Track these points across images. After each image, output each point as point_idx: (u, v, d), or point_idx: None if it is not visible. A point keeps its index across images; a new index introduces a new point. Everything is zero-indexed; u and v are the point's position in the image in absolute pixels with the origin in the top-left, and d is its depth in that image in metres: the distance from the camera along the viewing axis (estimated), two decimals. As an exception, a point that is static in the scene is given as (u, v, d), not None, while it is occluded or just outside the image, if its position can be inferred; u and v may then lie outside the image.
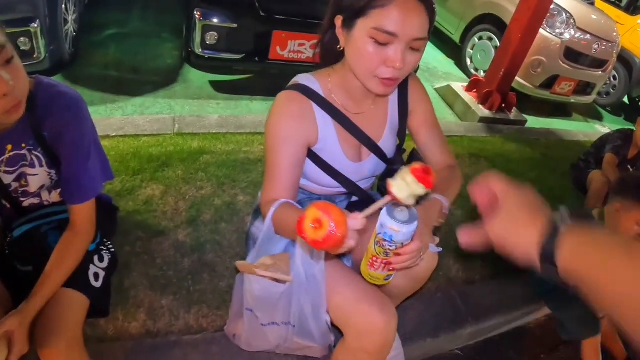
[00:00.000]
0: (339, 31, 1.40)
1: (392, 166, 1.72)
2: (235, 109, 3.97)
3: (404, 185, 1.08)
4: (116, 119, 3.16)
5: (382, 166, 1.72)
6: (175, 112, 3.68)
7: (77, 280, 1.57)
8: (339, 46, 1.43)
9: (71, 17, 3.77)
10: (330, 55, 1.53)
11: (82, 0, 4.19)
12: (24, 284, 1.54)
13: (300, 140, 1.48)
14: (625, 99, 8.55)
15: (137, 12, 5.12)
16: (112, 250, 1.85)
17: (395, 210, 1.16)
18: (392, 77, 1.34)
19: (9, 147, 1.49)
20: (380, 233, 1.17)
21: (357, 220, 1.06)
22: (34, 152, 1.52)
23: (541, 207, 0.86)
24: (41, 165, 1.55)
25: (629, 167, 3.86)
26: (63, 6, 3.51)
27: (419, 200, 1.14)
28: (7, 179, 1.54)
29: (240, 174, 2.81)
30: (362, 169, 1.66)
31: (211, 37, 3.54)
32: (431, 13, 1.33)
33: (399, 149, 1.76)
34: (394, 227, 1.13)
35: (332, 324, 1.56)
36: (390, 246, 1.18)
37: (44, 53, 3.22)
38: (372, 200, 1.79)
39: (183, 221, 2.40)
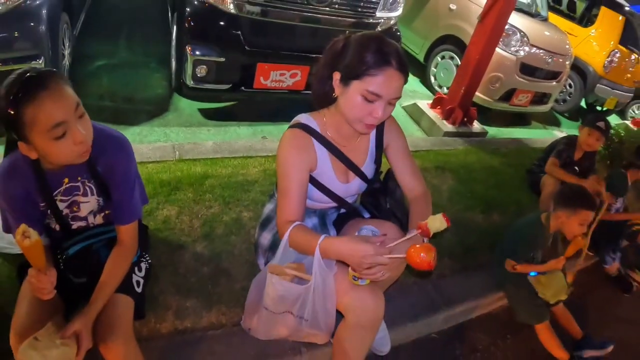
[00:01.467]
0: (336, 83, 1.81)
1: (372, 185, 2.18)
2: (225, 134, 4.20)
3: (437, 221, 1.67)
4: None
5: (364, 185, 2.15)
6: (171, 139, 3.88)
7: (126, 286, 1.88)
8: (334, 94, 1.85)
9: (67, 52, 3.89)
10: (325, 100, 1.94)
11: (74, 33, 4.26)
12: (77, 293, 1.83)
13: (305, 167, 1.90)
14: (583, 104, 9.05)
15: (124, 43, 5.25)
16: (149, 261, 2.16)
17: (363, 231, 1.81)
18: (374, 124, 1.79)
19: (66, 180, 1.74)
20: None
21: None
22: (87, 183, 1.79)
23: None
24: (92, 194, 1.83)
25: (575, 167, 4.25)
26: (61, 41, 3.61)
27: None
28: (61, 205, 1.81)
29: (242, 193, 3.12)
30: (349, 188, 2.08)
31: (201, 70, 3.76)
32: (406, 78, 1.75)
33: (377, 172, 2.18)
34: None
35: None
36: None
37: None
38: (357, 212, 2.24)
39: (199, 236, 2.71)
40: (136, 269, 2.02)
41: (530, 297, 2.95)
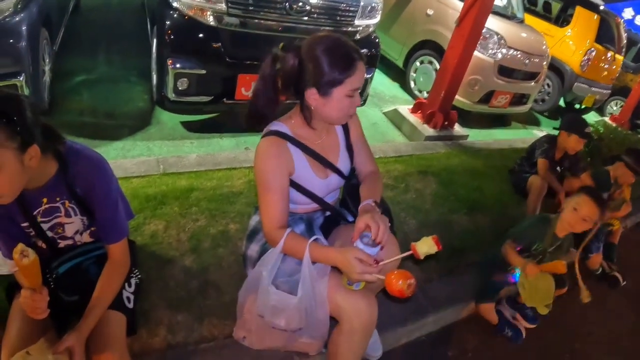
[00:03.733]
0: (312, 97, 1.88)
1: (349, 182, 2.24)
2: (208, 146, 4.20)
3: (426, 246, 1.73)
4: None
5: (342, 181, 2.21)
6: (154, 153, 3.87)
7: (117, 303, 1.88)
8: (311, 106, 1.92)
9: (47, 68, 3.86)
10: (267, 116, 2.04)
11: (53, 49, 4.24)
12: (68, 312, 1.84)
13: (284, 172, 1.95)
14: (562, 103, 9.20)
15: (103, 57, 5.25)
16: (139, 276, 2.18)
17: (364, 239, 1.78)
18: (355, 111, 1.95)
19: (45, 200, 1.73)
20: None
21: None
22: (68, 204, 1.79)
23: None
24: (75, 215, 1.83)
25: (557, 168, 4.35)
26: (41, 57, 3.59)
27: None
28: (44, 227, 1.81)
29: (228, 205, 3.13)
30: (329, 183, 2.13)
31: (182, 83, 3.77)
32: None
33: (352, 169, 2.26)
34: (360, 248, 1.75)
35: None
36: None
37: None
38: (341, 216, 2.28)
39: (186, 249, 2.72)
40: (126, 284, 2.02)
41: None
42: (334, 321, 1.98)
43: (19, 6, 3.25)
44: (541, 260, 3.04)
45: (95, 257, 2.01)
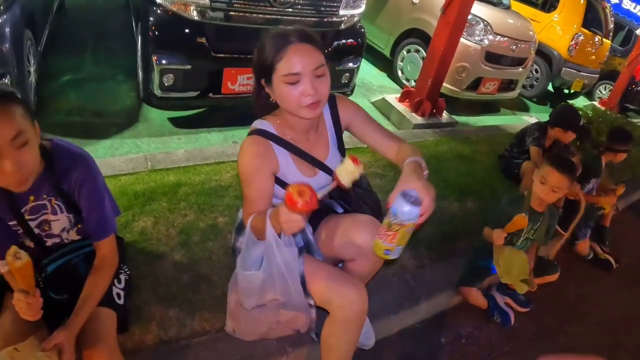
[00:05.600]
0: (267, 89, 1.86)
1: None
2: (195, 142, 4.20)
3: (345, 170, 1.66)
4: None
5: (330, 178, 2.12)
6: (142, 150, 3.87)
7: (107, 299, 1.89)
8: (271, 99, 1.89)
9: (32, 69, 3.83)
10: (267, 108, 1.99)
11: (38, 49, 4.22)
12: (58, 310, 1.83)
13: (267, 172, 1.91)
14: (550, 88, 9.26)
15: (89, 56, 5.25)
16: (128, 273, 2.18)
17: (406, 196, 1.51)
18: (314, 102, 1.77)
19: (32, 198, 1.73)
20: (390, 207, 1.53)
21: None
22: (55, 202, 1.79)
23: None
24: (62, 212, 1.83)
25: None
26: (26, 59, 3.57)
27: (355, 183, 1.72)
28: (31, 224, 1.80)
29: (216, 199, 3.13)
30: (316, 182, 2.06)
31: (168, 79, 3.76)
32: (318, 46, 1.79)
33: None
34: (401, 206, 1.48)
35: (318, 307, 2.00)
36: (393, 220, 1.51)
37: None
38: (330, 208, 2.26)
39: (176, 244, 2.71)
40: (115, 281, 2.03)
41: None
42: (324, 312, 1.98)
43: (1, 8, 3.22)
44: (527, 240, 3.05)
45: (84, 254, 2.01)
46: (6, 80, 3.19)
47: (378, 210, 2.30)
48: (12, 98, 1.49)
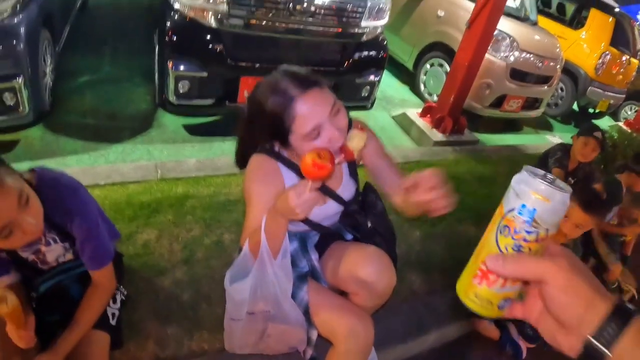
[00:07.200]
0: (281, 150, 1.82)
1: (349, 207, 2.06)
2: (209, 150, 4.13)
3: (352, 140, 1.59)
4: (103, 168, 3.33)
5: (340, 207, 2.04)
6: (154, 157, 3.82)
7: (101, 320, 1.85)
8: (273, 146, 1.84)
9: (49, 69, 3.82)
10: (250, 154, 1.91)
11: (56, 49, 4.20)
12: (50, 332, 1.77)
13: (271, 195, 1.74)
14: (575, 107, 9.08)
15: (108, 57, 5.23)
16: (125, 292, 2.14)
17: (536, 174, 0.78)
18: (340, 142, 1.65)
19: None
20: (512, 210, 0.78)
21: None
22: (48, 235, 1.74)
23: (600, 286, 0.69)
24: (56, 242, 1.79)
25: (569, 179, 4.21)
26: (42, 59, 3.55)
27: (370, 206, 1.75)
28: (25, 254, 1.76)
29: (224, 214, 3.06)
30: (325, 210, 1.98)
31: (184, 86, 3.71)
32: (322, 83, 1.66)
33: (356, 191, 2.09)
34: (540, 193, 0.75)
35: (321, 337, 1.91)
36: (529, 232, 0.76)
37: (28, 107, 3.26)
38: (338, 235, 2.16)
39: (179, 260, 2.65)
40: (111, 301, 1.99)
41: None
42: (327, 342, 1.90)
43: (18, 7, 3.20)
44: None
45: (77, 275, 1.95)
46: (19, 80, 3.16)
47: (392, 240, 2.19)
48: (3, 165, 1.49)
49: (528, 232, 0.76)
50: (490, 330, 3.01)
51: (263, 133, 1.77)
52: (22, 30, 3.20)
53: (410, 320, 2.77)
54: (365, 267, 1.92)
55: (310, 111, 1.58)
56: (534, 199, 0.75)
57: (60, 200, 1.69)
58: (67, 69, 4.64)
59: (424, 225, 3.64)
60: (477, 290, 0.83)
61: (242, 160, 1.96)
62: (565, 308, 0.68)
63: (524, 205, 0.76)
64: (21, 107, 3.24)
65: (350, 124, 1.79)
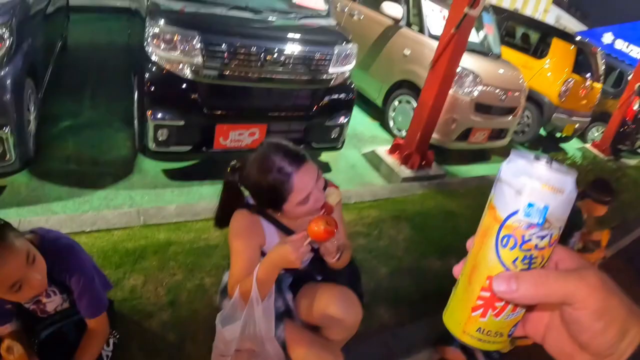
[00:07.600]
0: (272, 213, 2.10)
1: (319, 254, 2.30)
2: (188, 195, 4.27)
3: (330, 196, 2.03)
4: (88, 215, 3.45)
5: (316, 255, 2.27)
6: (136, 202, 3.95)
7: None
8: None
9: (32, 116, 3.87)
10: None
11: (39, 96, 4.24)
12: None
13: (254, 247, 2.08)
14: (543, 132, 9.41)
15: (88, 101, 5.36)
16: (117, 336, 2.33)
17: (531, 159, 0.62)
18: (322, 202, 2.02)
19: None
20: (515, 213, 0.60)
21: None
22: (49, 288, 1.94)
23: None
24: (55, 295, 2.00)
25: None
26: (26, 107, 3.60)
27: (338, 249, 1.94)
28: (27, 304, 1.96)
29: (204, 259, 3.23)
30: None
31: (162, 134, 3.87)
32: (308, 156, 1.99)
33: None
34: (551, 184, 0.59)
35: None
36: (542, 237, 0.60)
37: (14, 155, 3.35)
38: (310, 276, 2.39)
39: (164, 303, 2.81)
40: (104, 345, 2.18)
41: None
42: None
43: (5, 59, 3.31)
44: None
45: (75, 321, 2.14)
46: (6, 130, 3.26)
47: (355, 280, 2.44)
48: (6, 229, 1.68)
49: (541, 238, 0.60)
50: (456, 356, 3.19)
51: (259, 204, 2.07)
52: (9, 82, 3.30)
53: (379, 352, 2.95)
54: (334, 305, 2.15)
55: (305, 184, 1.91)
56: (543, 193, 0.59)
57: (60, 258, 1.90)
58: (49, 113, 4.74)
59: (391, 261, 3.83)
60: (482, 324, 0.66)
61: (221, 222, 2.22)
62: (596, 334, 0.58)
63: (531, 204, 0.59)
64: (8, 156, 3.34)
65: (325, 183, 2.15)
